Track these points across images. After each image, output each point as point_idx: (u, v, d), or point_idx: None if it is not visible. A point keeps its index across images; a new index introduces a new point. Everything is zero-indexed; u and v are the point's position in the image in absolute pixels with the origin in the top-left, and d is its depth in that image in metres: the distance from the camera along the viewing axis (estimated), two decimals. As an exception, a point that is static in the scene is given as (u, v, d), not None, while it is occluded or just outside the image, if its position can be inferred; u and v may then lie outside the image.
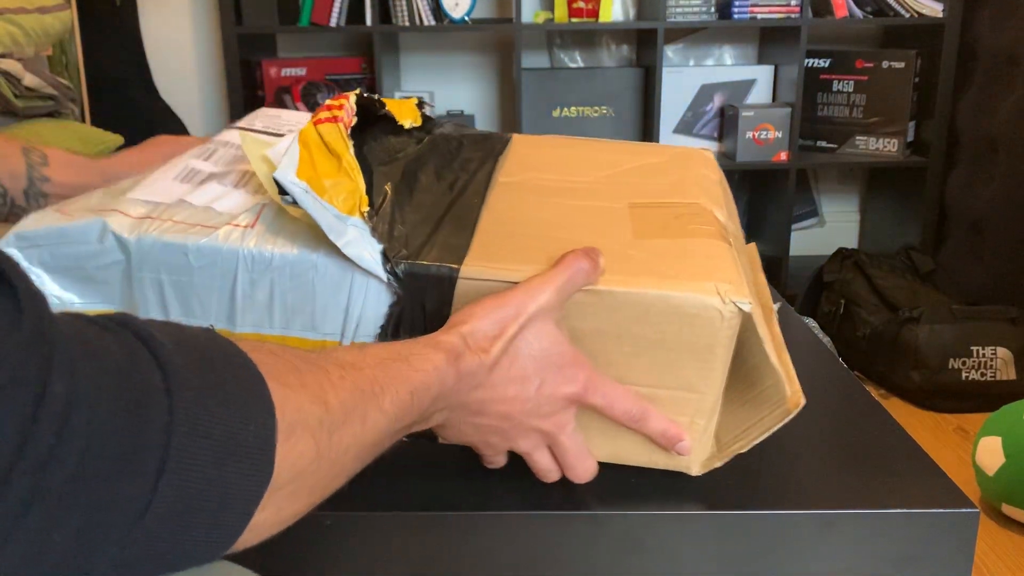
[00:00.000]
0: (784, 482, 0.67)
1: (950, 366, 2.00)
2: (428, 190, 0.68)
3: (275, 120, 0.81)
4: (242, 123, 0.82)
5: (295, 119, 0.82)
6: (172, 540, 0.35)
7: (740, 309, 0.57)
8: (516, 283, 0.59)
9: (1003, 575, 1.39)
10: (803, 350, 0.90)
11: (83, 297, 0.63)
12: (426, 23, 2.46)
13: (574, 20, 2.52)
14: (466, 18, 2.47)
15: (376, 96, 0.71)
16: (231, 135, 0.77)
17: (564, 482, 0.64)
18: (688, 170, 0.75)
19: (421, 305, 0.61)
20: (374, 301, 0.61)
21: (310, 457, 0.42)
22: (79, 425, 0.31)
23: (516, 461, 0.63)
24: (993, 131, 2.32)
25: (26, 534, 0.30)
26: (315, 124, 0.63)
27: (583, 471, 0.62)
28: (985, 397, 1.99)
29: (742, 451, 0.62)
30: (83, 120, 1.72)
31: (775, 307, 0.73)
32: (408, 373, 0.49)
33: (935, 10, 2.45)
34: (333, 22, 2.47)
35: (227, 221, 0.62)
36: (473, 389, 0.55)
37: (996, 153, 2.31)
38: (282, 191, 0.58)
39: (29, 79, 1.47)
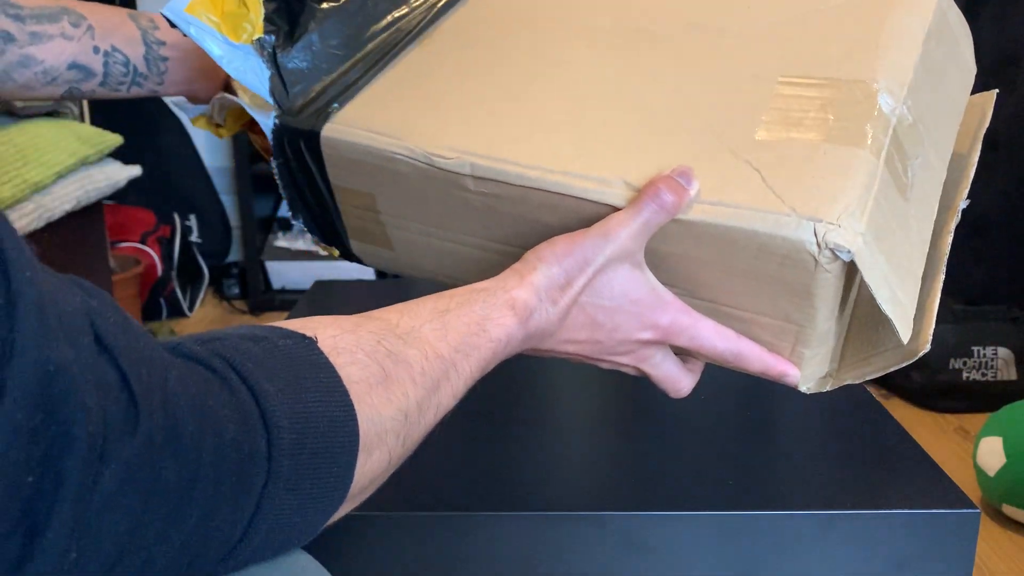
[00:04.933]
0: (784, 482, 0.67)
1: (951, 366, 2.00)
2: (378, 17, 0.62)
3: None
4: None
5: None
6: (250, 561, 0.41)
7: (838, 257, 0.48)
8: (401, 155, 0.55)
9: None
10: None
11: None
12: (426, 23, 2.45)
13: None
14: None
15: None
16: None
17: (564, 482, 0.63)
18: (883, 19, 0.58)
19: (302, 153, 0.59)
20: (266, 123, 0.60)
21: (382, 467, 0.45)
22: (198, 497, 0.36)
23: (516, 462, 0.63)
24: (993, 131, 2.32)
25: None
26: None
27: (674, 392, 0.59)
28: (986, 397, 1.98)
29: (853, 382, 0.56)
30: (82, 120, 1.72)
31: (960, 205, 0.61)
32: (483, 345, 0.50)
33: (935, 10, 2.45)
34: (333, 22, 2.47)
35: None
36: (542, 338, 0.54)
37: (996, 153, 2.31)
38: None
39: (29, 79, 1.46)
